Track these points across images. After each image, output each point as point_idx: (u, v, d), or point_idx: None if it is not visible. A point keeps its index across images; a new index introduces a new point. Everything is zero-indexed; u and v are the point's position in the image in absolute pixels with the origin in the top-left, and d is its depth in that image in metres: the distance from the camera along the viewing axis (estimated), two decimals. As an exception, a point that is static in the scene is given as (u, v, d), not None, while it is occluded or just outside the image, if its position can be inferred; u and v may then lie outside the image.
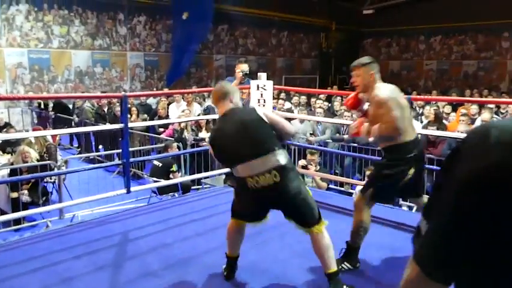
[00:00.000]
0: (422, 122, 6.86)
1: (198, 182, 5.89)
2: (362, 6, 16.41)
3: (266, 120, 2.41)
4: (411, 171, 2.67)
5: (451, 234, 0.76)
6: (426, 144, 5.71)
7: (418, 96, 8.16)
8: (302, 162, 5.59)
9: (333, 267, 2.44)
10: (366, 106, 2.91)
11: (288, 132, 2.52)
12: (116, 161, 6.45)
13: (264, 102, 4.37)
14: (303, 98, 8.55)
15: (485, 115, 5.82)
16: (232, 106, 2.53)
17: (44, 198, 5.25)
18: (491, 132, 0.73)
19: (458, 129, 5.71)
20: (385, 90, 2.67)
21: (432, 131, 5.58)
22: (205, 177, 5.53)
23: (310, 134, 6.81)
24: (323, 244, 2.41)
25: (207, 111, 7.91)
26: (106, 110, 8.57)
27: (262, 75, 4.53)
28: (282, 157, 2.35)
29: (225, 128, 2.46)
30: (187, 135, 6.49)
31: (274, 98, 8.94)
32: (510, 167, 0.68)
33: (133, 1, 12.22)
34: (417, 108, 7.48)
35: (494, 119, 5.94)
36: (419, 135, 2.88)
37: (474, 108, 6.82)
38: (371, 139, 2.83)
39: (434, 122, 6.19)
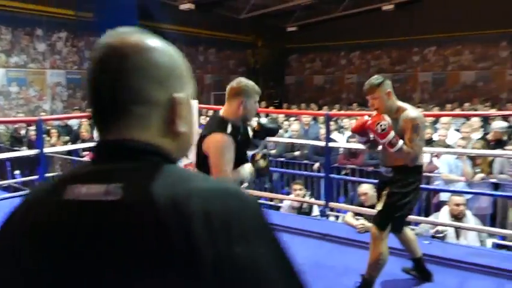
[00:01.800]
0: (343, 134, 7.20)
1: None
2: (286, 24, 16.97)
3: (204, 150, 2.16)
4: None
5: None
6: (348, 155, 6.01)
7: (337, 112, 8.67)
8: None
9: None
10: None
11: None
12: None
13: (189, 121, 4.36)
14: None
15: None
16: (224, 112, 2.29)
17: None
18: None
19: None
20: (420, 115, 2.64)
21: (355, 144, 5.88)
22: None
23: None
24: None
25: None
26: (23, 132, 8.06)
27: (187, 95, 4.52)
28: None
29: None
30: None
31: (201, 115, 8.95)
32: None
33: (52, 16, 11.67)
34: (339, 121, 7.84)
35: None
36: None
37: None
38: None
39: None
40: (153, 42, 0.68)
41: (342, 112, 10.19)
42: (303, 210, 4.77)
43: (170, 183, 0.58)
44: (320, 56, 18.12)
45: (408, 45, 15.91)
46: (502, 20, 13.27)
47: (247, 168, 2.29)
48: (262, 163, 2.33)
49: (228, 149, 2.16)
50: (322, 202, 4.53)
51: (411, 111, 2.58)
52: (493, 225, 4.64)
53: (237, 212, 0.56)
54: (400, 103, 2.66)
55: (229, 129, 2.20)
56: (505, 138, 5.80)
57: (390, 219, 2.62)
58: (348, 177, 5.59)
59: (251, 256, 0.54)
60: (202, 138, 2.22)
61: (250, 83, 2.34)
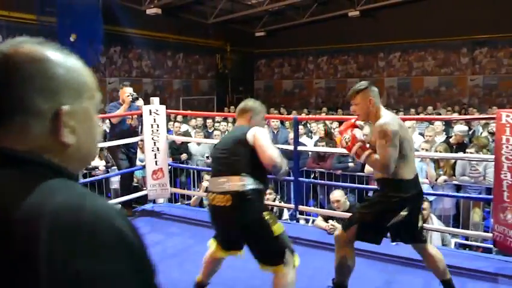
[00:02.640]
0: (312, 138, 7.29)
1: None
2: (255, 29, 17.07)
3: (250, 142, 2.33)
4: (404, 212, 2.46)
5: None
6: (317, 159, 6.08)
7: (305, 116, 8.81)
8: (206, 183, 5.45)
9: None
10: (361, 134, 2.64)
11: (266, 163, 2.29)
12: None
13: (158, 127, 4.32)
14: (200, 119, 8.59)
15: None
16: (240, 124, 2.57)
17: None
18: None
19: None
20: (393, 122, 2.44)
21: (323, 148, 5.96)
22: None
23: (207, 157, 6.82)
24: (278, 285, 2.33)
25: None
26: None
27: (155, 100, 4.48)
28: (242, 184, 2.28)
29: (220, 140, 2.70)
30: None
31: (170, 121, 8.86)
32: None
33: (12, 21, 11.31)
34: (308, 125, 7.93)
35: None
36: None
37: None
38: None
39: (324, 138, 6.62)
40: (50, 53, 0.67)
41: (310, 116, 10.30)
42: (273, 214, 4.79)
43: (32, 196, 0.58)
44: (289, 61, 18.31)
45: (374, 50, 16.31)
46: (462, 28, 13.79)
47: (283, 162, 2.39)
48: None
49: (270, 138, 2.44)
50: (291, 206, 4.56)
51: (382, 118, 2.47)
52: (456, 225, 4.79)
53: (86, 227, 0.56)
54: (383, 111, 2.54)
55: None
56: (466, 140, 6.02)
57: (353, 223, 2.56)
58: (317, 181, 5.66)
59: (101, 272, 0.54)
60: (239, 137, 2.41)
61: (256, 102, 2.67)
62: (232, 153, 2.38)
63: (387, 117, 2.47)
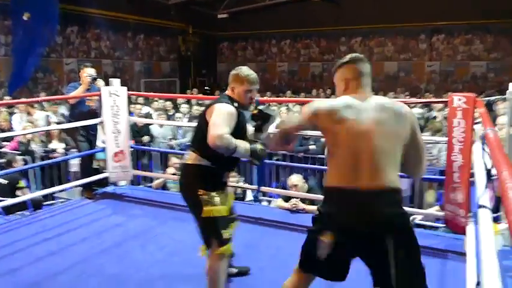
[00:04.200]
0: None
1: (52, 196, 5.46)
2: (217, 11, 16.85)
3: (207, 117, 2.22)
4: (327, 237, 1.65)
5: None
6: (279, 142, 6.16)
7: (266, 98, 8.85)
8: (172, 170, 5.38)
9: None
10: None
11: (209, 142, 2.10)
12: None
13: (118, 109, 4.24)
14: (162, 102, 8.47)
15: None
16: (223, 94, 2.44)
17: None
18: None
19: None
20: (315, 105, 1.81)
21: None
22: (59, 191, 5.15)
23: (170, 139, 6.78)
24: (207, 269, 2.28)
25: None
26: None
27: (115, 81, 4.39)
28: (188, 157, 2.31)
29: None
30: (35, 146, 5.93)
31: (132, 103, 8.69)
32: None
33: (-40, -3, 10.67)
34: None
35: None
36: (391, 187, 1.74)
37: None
38: None
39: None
40: None
41: (271, 98, 10.31)
42: (237, 196, 4.85)
43: None
44: (252, 44, 18.25)
45: (335, 35, 16.50)
46: (421, 14, 14.18)
47: (245, 144, 2.23)
48: (259, 147, 2.29)
49: (231, 116, 2.22)
50: (254, 187, 4.62)
51: None
52: (411, 206, 5.00)
53: None
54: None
55: (235, 104, 2.32)
56: (421, 125, 6.26)
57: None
58: (279, 163, 5.75)
59: None
60: (206, 109, 2.32)
61: (245, 72, 2.43)
62: (196, 126, 2.40)
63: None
